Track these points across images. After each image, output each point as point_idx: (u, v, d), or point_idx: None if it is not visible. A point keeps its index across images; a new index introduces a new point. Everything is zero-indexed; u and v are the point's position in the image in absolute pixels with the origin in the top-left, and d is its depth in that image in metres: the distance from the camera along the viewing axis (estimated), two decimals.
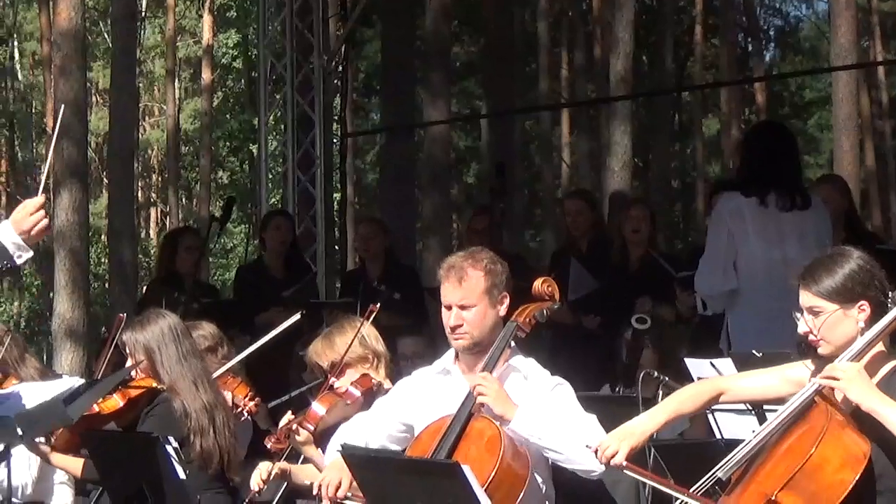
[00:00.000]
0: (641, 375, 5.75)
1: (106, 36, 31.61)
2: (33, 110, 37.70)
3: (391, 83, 16.91)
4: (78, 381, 5.58)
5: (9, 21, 34.75)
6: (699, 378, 5.39)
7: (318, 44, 11.75)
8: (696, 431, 5.93)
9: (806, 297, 4.13)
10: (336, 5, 13.47)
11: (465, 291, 4.85)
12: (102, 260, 29.63)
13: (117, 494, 5.39)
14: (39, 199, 4.67)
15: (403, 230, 14.69)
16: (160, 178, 38.48)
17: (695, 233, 28.34)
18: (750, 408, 5.18)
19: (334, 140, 12.99)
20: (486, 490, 4.24)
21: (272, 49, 12.08)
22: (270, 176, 12.93)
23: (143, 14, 33.63)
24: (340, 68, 12.67)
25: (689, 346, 8.16)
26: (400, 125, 16.33)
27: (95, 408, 5.57)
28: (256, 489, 5.26)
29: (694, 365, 5.62)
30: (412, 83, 17.21)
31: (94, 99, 34.98)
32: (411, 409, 5.02)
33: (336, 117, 13.28)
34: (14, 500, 6.22)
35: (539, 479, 4.76)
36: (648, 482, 4.26)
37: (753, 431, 4.25)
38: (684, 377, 5.70)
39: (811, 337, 4.13)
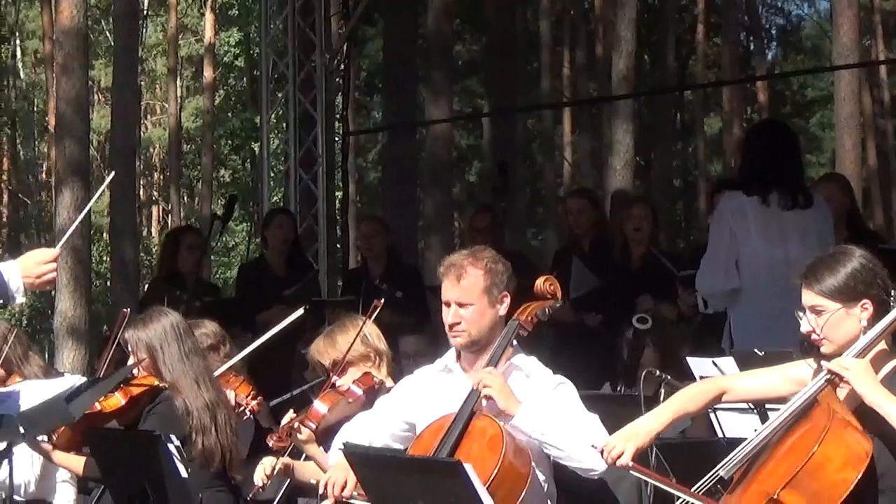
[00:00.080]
0: (643, 374, 5.75)
1: (108, 34, 31.63)
2: (35, 108, 37.73)
3: (393, 81, 16.92)
4: (80, 380, 5.58)
5: (11, 19, 34.76)
6: (701, 377, 5.40)
7: (320, 42, 11.74)
8: (698, 430, 5.93)
9: (808, 296, 4.13)
10: (338, 4, 13.50)
11: (464, 289, 4.86)
12: (104, 258, 29.65)
13: (119, 493, 5.39)
14: (55, 251, 4.77)
15: (405, 229, 14.69)
16: (162, 177, 38.51)
17: (696, 231, 28.35)
18: (752, 407, 5.19)
19: (336, 138, 13.00)
20: (488, 488, 4.24)
21: (274, 47, 12.08)
22: (272, 174, 12.95)
23: (145, 12, 33.65)
24: (342, 67, 12.68)
25: (692, 344, 8.16)
26: (402, 123, 16.34)
27: (97, 406, 5.58)
28: (260, 484, 5.26)
29: (696, 364, 5.62)
30: (414, 81, 17.22)
31: (95, 97, 35.01)
32: (414, 407, 5.02)
33: (338, 116, 13.30)
34: (17, 497, 6.22)
35: (541, 478, 4.77)
36: (654, 482, 4.25)
37: (755, 430, 4.25)
38: (686, 376, 5.71)
39: (814, 336, 4.13)
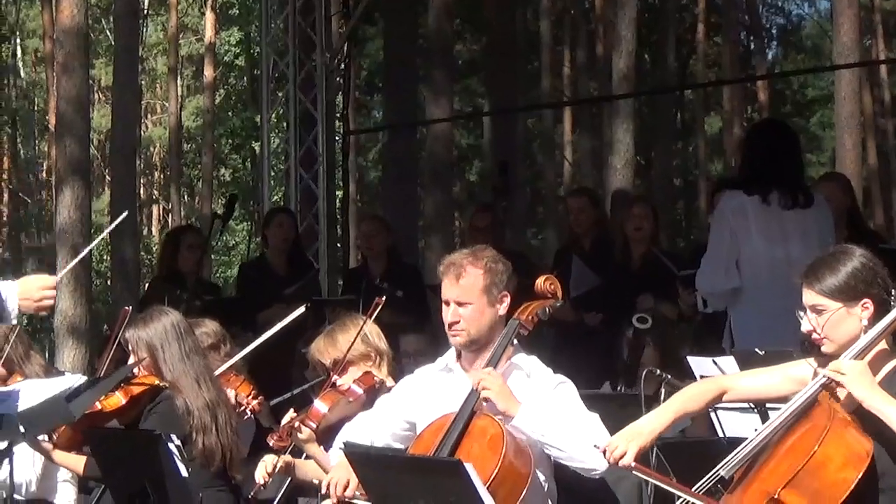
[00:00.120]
0: (644, 373, 5.75)
1: (108, 33, 31.63)
2: (35, 107, 37.72)
3: (393, 81, 16.93)
4: (80, 379, 5.58)
5: (11, 18, 34.75)
6: (702, 376, 5.40)
7: (320, 41, 11.74)
8: (699, 430, 5.93)
9: (809, 296, 4.13)
10: (338, 3, 13.50)
11: (462, 288, 4.87)
12: (104, 257, 29.63)
13: (119, 492, 5.39)
14: (56, 279, 4.89)
15: (405, 228, 14.69)
16: (162, 176, 38.51)
17: (697, 231, 28.35)
18: (752, 406, 5.18)
19: (336, 138, 12.99)
20: (488, 488, 4.24)
21: (274, 47, 12.08)
22: (273, 173, 12.93)
23: (146, 11, 33.64)
24: (343, 66, 12.67)
25: (692, 344, 8.16)
26: (402, 123, 16.34)
27: (98, 405, 5.58)
28: (262, 482, 5.26)
29: (696, 363, 5.62)
30: (414, 81, 17.23)
31: (96, 96, 35.02)
32: (414, 406, 5.02)
33: (338, 115, 13.29)
34: (18, 497, 6.22)
35: (541, 477, 4.76)
36: (656, 482, 4.25)
37: (756, 430, 4.25)
38: (686, 375, 5.71)
39: (815, 335, 4.13)
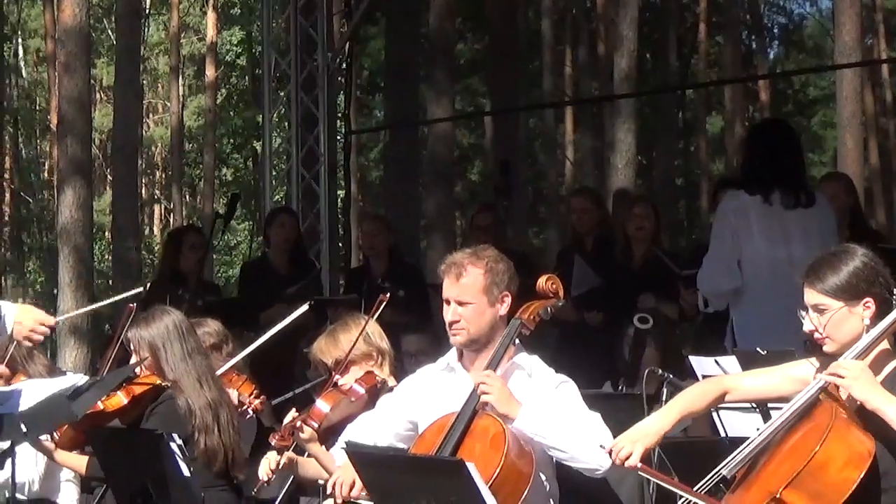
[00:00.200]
0: (646, 373, 5.75)
1: (110, 33, 31.66)
2: (37, 107, 37.74)
3: (395, 80, 16.94)
4: (82, 379, 5.59)
5: (13, 18, 34.75)
6: (704, 376, 5.40)
7: (322, 41, 11.74)
8: (701, 429, 5.93)
9: (811, 295, 4.13)
10: (340, 3, 13.51)
11: (463, 287, 4.87)
12: (106, 257, 29.65)
13: (121, 492, 5.39)
14: (54, 320, 5.03)
15: (407, 227, 14.72)
16: (164, 175, 38.52)
17: (698, 230, 28.34)
18: (754, 406, 5.18)
19: (338, 137, 12.99)
20: (490, 487, 4.23)
21: (276, 46, 12.08)
22: (274, 173, 12.95)
23: (147, 11, 33.64)
24: (344, 66, 12.67)
25: (693, 344, 8.15)
26: (404, 122, 16.36)
27: (100, 405, 5.58)
28: (265, 479, 5.25)
29: (698, 363, 5.63)
30: (416, 81, 17.24)
31: (97, 96, 35.04)
32: (416, 406, 5.02)
33: (340, 114, 13.29)
34: (21, 496, 6.22)
35: (543, 477, 4.76)
36: (660, 483, 4.24)
37: (758, 429, 4.25)
38: (688, 375, 5.71)
39: (816, 335, 4.13)
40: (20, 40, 36.88)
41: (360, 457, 4.51)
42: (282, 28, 12.06)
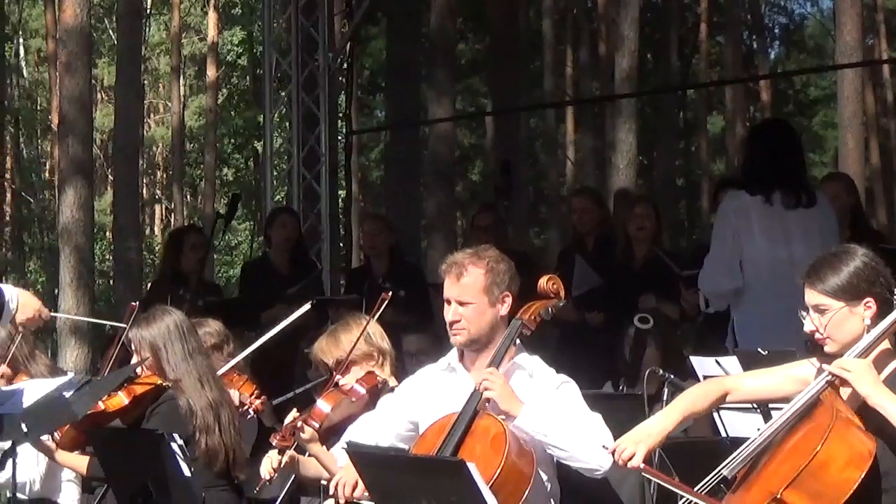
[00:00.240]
0: (647, 373, 5.74)
1: (111, 33, 31.66)
2: (38, 107, 37.73)
3: (396, 80, 16.94)
4: (84, 378, 5.59)
5: (14, 18, 34.74)
6: (705, 376, 5.40)
7: (323, 41, 11.74)
8: (701, 429, 5.93)
9: (811, 296, 4.13)
10: (341, 3, 13.50)
11: (463, 287, 4.87)
12: (107, 257, 29.66)
13: (122, 492, 5.39)
14: (51, 315, 5.13)
15: (408, 227, 14.71)
16: (165, 175, 38.52)
17: (699, 230, 28.35)
18: (755, 406, 5.18)
19: (339, 137, 12.99)
20: (491, 488, 4.24)
21: (277, 46, 12.08)
22: (275, 173, 12.95)
23: (149, 11, 33.64)
24: (345, 66, 12.67)
25: (695, 344, 8.14)
26: (405, 122, 16.36)
27: (101, 405, 5.59)
28: (267, 477, 5.25)
29: (699, 363, 5.62)
30: (417, 80, 17.24)
31: (98, 96, 35.05)
32: (417, 406, 5.02)
33: (341, 114, 13.29)
34: (22, 496, 6.23)
35: (544, 477, 4.76)
36: (662, 483, 4.24)
37: (758, 429, 4.25)
38: (688, 375, 5.71)
39: (817, 335, 4.13)
40: (21, 40, 36.89)
41: (361, 457, 4.51)
42: (283, 28, 12.06)
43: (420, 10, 17.63)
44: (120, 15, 17.65)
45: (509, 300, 4.91)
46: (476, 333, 4.88)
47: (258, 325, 8.74)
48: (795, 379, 4.24)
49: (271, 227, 9.88)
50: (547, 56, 26.51)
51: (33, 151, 38.12)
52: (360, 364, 5.64)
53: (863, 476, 3.86)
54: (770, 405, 4.92)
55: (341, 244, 12.78)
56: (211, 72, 31.61)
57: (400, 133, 16.48)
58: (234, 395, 6.15)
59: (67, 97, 14.33)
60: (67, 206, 14.13)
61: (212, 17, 32.20)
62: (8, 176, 34.34)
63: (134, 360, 5.82)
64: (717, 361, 5.55)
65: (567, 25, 29.29)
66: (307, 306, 6.82)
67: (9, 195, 34.39)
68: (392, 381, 5.56)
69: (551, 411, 4.69)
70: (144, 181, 34.78)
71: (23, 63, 37.51)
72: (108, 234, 30.77)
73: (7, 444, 5.49)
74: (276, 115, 12.55)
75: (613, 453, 4.19)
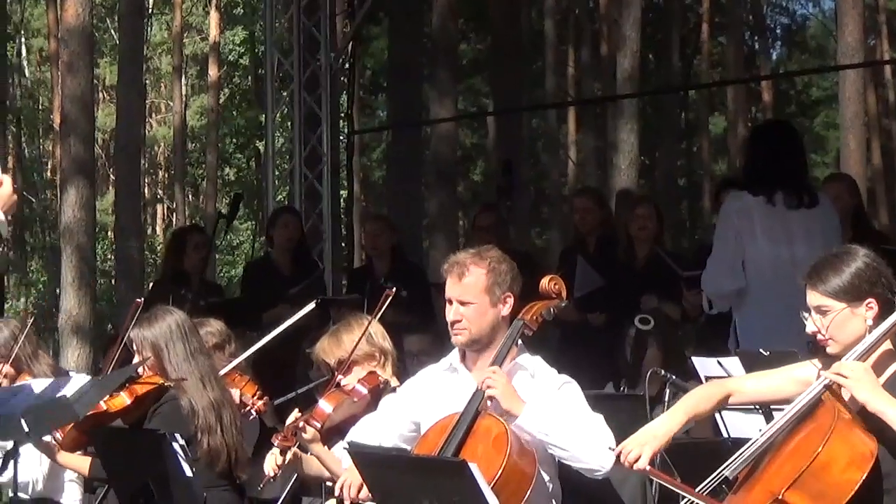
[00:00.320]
0: (648, 374, 5.74)
1: (113, 32, 31.63)
2: (40, 107, 37.74)
3: (398, 80, 16.93)
4: (86, 378, 5.59)
5: (16, 17, 34.75)
6: (706, 377, 5.40)
7: (325, 41, 11.74)
8: (703, 430, 5.93)
9: (813, 297, 4.13)
10: (343, 3, 13.50)
11: (465, 287, 4.87)
12: (109, 256, 29.66)
13: (124, 492, 5.39)
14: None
15: (409, 227, 14.70)
16: (167, 175, 38.53)
17: (701, 231, 28.35)
18: (757, 406, 5.18)
19: (341, 137, 12.99)
20: (492, 488, 4.24)
21: (279, 46, 12.08)
22: (277, 173, 12.94)
23: (150, 11, 33.65)
24: (347, 65, 12.67)
25: (696, 344, 8.14)
26: (406, 122, 16.34)
27: (103, 405, 5.59)
28: (271, 474, 5.26)
29: (701, 363, 5.62)
30: (419, 80, 17.22)
31: (100, 95, 35.05)
32: (419, 407, 5.02)
33: (343, 114, 13.28)
34: (24, 495, 6.23)
35: (545, 477, 4.76)
36: (666, 484, 4.24)
37: (760, 430, 4.25)
38: (690, 376, 5.71)
39: (819, 336, 4.13)
40: (23, 40, 36.89)
41: (363, 457, 4.51)
42: (285, 28, 12.06)
43: (422, 10, 17.63)
44: (122, 14, 17.65)
45: (511, 300, 4.91)
46: (477, 333, 4.88)
47: (260, 325, 8.75)
48: (797, 380, 4.24)
49: (273, 226, 9.88)
50: (549, 56, 26.51)
51: (35, 151, 38.14)
52: (361, 364, 5.64)
53: (864, 477, 3.86)
54: (772, 406, 4.92)
55: (343, 244, 12.79)
56: (213, 71, 31.62)
57: (401, 133, 16.47)
58: (236, 395, 6.15)
59: (69, 97, 14.33)
60: (69, 206, 14.13)
61: (213, 16, 32.20)
62: (10, 175, 34.38)
63: (136, 360, 5.82)
64: (718, 362, 5.55)
65: (569, 25, 29.29)
66: (311, 305, 6.82)
67: None
68: (394, 382, 5.56)
69: (553, 411, 4.69)
70: (146, 181, 34.80)
71: (25, 62, 37.52)
72: (109, 233, 30.76)
73: (9, 445, 5.49)
74: (277, 114, 12.55)
75: (619, 455, 4.19)
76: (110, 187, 32.04)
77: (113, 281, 25.93)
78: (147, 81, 32.70)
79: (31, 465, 6.28)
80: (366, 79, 29.40)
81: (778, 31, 36.73)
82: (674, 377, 5.66)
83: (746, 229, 7.01)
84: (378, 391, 5.45)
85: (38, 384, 5.58)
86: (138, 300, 6.30)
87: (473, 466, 4.06)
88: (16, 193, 4.92)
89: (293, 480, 5.69)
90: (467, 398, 4.73)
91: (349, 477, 4.84)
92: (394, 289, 5.69)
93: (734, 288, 7.05)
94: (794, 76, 34.35)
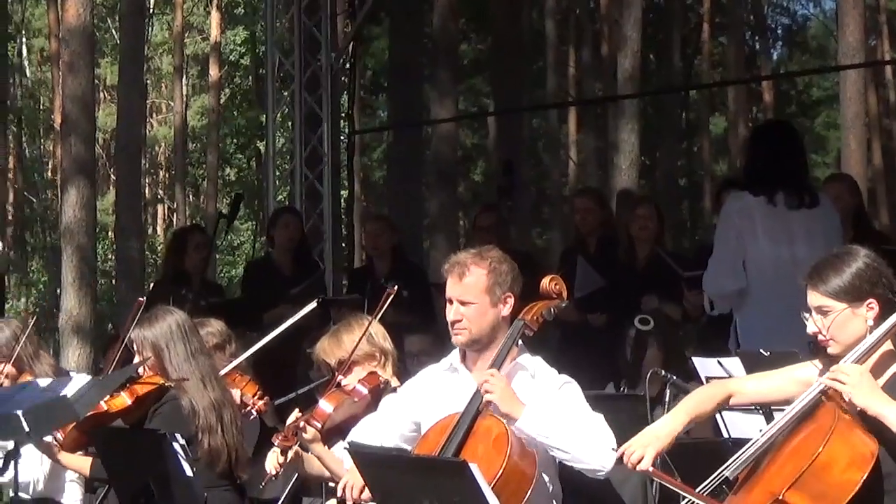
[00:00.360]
0: (649, 374, 5.75)
1: (114, 32, 31.63)
2: (41, 107, 37.75)
3: (398, 81, 16.94)
4: (86, 378, 5.59)
5: (17, 17, 34.76)
6: (707, 377, 5.40)
7: (325, 41, 11.74)
8: (704, 430, 5.92)
9: (814, 297, 4.13)
10: (344, 3, 13.49)
11: (465, 287, 4.87)
12: (109, 256, 29.68)
13: (124, 492, 5.39)
14: None
15: (410, 227, 14.70)
16: (167, 175, 38.54)
17: (702, 231, 28.35)
18: (757, 407, 5.18)
19: (342, 137, 12.99)
20: (493, 488, 4.24)
21: (280, 46, 12.08)
22: (278, 173, 12.94)
23: (151, 10, 33.65)
24: (348, 66, 12.67)
25: (697, 345, 8.13)
26: (407, 122, 16.35)
27: (103, 406, 5.59)
28: (273, 472, 5.25)
29: (702, 364, 5.62)
30: (419, 81, 17.24)
31: (101, 95, 35.04)
32: (419, 407, 5.02)
33: (343, 114, 13.29)
34: (24, 496, 6.23)
35: (546, 478, 4.76)
36: (668, 485, 4.24)
37: (761, 430, 4.25)
38: (690, 376, 5.71)
39: (820, 337, 4.12)
40: (24, 39, 36.90)
41: (363, 457, 4.51)
42: (285, 28, 12.06)
43: (423, 10, 17.64)
44: (123, 14, 17.67)
45: (511, 301, 4.90)
46: (477, 333, 4.88)
47: (260, 326, 8.74)
48: (798, 381, 4.23)
49: (274, 227, 9.88)
50: (549, 56, 26.52)
51: (36, 151, 38.16)
52: (362, 364, 5.63)
53: (865, 477, 3.86)
54: (772, 406, 4.92)
55: (343, 244, 12.79)
56: (213, 71, 31.63)
57: (402, 133, 16.48)
58: (236, 395, 6.14)
59: (70, 97, 14.34)
60: (70, 206, 14.14)
61: (214, 16, 32.21)
62: (11, 175, 34.39)
63: (136, 360, 5.82)
64: (719, 362, 5.55)
65: (570, 26, 29.30)
66: (313, 304, 6.82)
67: (11, 195, 34.43)
68: (394, 382, 5.56)
69: (553, 412, 4.69)
70: (147, 181, 34.80)
71: (26, 62, 37.53)
72: (110, 233, 30.77)
73: (10, 445, 5.49)
74: (278, 114, 12.55)
75: (622, 456, 4.19)
76: (111, 187, 32.05)
77: (113, 281, 25.94)
78: (148, 81, 32.71)
79: (32, 466, 6.28)
80: (366, 79, 29.40)
81: (779, 31, 36.78)
82: (674, 377, 5.66)
83: (747, 229, 7.01)
84: (378, 391, 5.44)
85: (35, 385, 5.58)
86: (140, 299, 6.30)
87: (474, 467, 4.06)
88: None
89: (294, 480, 5.69)
90: (468, 398, 4.73)
91: (352, 478, 4.84)
92: (395, 287, 5.69)
93: (735, 288, 7.05)
94: (795, 76, 34.38)
